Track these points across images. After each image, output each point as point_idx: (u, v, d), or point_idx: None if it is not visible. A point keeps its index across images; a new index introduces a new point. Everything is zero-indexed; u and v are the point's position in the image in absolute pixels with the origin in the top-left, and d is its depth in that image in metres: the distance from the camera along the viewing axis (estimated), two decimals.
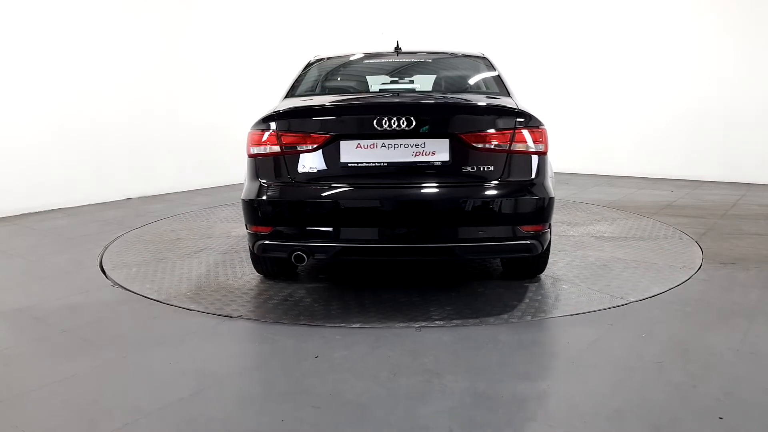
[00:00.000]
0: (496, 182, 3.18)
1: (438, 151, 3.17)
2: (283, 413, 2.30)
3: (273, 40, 9.41)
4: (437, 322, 3.19)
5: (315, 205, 3.19)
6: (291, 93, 3.95)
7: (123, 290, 3.84)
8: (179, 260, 4.48)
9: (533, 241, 3.22)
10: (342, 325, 3.17)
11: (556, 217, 4.31)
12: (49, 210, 6.65)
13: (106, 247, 4.93)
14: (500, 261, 4.19)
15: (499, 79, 4.02)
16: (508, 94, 3.84)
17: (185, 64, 8.23)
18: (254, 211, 3.29)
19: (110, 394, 2.49)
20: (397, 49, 4.39)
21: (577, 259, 4.43)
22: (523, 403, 2.33)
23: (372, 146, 3.18)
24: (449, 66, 4.53)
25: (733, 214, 6.10)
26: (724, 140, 8.55)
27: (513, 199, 3.18)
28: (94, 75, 7.15)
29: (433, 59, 4.53)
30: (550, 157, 3.42)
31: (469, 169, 3.19)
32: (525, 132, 3.22)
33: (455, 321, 3.19)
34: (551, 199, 3.26)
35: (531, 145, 3.23)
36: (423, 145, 3.17)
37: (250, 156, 3.37)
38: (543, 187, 3.24)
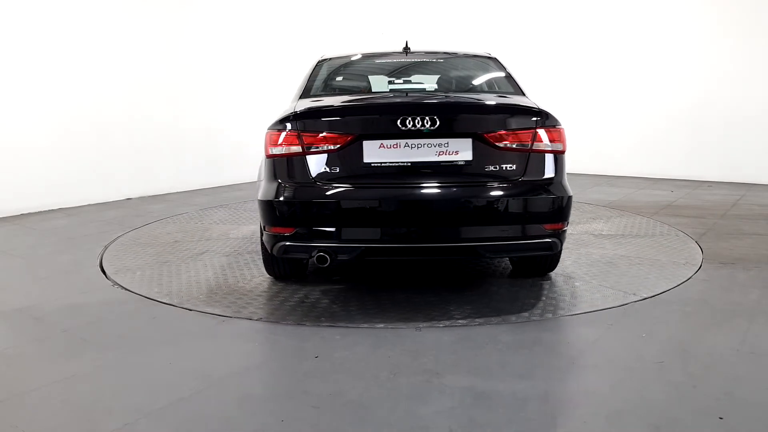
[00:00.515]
0: (518, 181, 3.21)
1: (461, 150, 3.18)
2: (283, 413, 2.30)
3: (273, 41, 9.41)
4: (459, 321, 3.20)
5: (339, 206, 3.17)
6: (305, 93, 3.88)
7: (123, 290, 3.84)
8: (183, 263, 4.42)
9: (554, 239, 3.26)
10: (365, 326, 3.16)
11: None
12: (49, 210, 6.65)
13: (106, 248, 4.93)
14: (509, 260, 4.21)
15: (511, 79, 4.04)
16: (522, 93, 3.86)
17: (185, 65, 8.23)
18: (274, 212, 3.24)
19: (110, 394, 2.49)
20: (406, 49, 4.37)
21: (582, 257, 4.46)
22: (523, 403, 2.33)
23: (395, 146, 3.17)
24: (460, 66, 4.52)
25: (733, 214, 6.10)
26: (724, 140, 8.55)
27: (536, 197, 3.21)
28: (95, 75, 7.15)
29: (444, 59, 4.51)
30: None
31: (491, 168, 3.20)
32: (546, 131, 3.26)
33: (478, 320, 3.21)
34: (570, 198, 3.30)
35: (551, 144, 3.26)
36: (446, 145, 3.18)
37: (269, 156, 3.30)
38: (562, 186, 3.29)
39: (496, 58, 4.38)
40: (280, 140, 3.24)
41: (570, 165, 3.56)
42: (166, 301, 3.58)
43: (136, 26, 7.59)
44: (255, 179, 9.38)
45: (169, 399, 2.41)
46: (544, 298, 3.56)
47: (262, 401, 2.42)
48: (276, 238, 3.27)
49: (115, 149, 7.41)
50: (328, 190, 3.18)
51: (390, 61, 4.43)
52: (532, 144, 3.22)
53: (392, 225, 3.19)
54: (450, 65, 4.52)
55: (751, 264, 4.22)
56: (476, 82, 4.26)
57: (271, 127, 3.33)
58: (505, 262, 4.31)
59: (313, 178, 3.19)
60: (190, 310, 3.45)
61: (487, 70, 4.28)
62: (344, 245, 3.19)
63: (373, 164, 3.18)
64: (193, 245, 4.95)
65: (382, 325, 3.16)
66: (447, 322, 3.18)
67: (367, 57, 4.51)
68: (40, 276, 4.26)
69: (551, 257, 3.80)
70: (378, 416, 2.26)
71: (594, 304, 3.45)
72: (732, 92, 8.45)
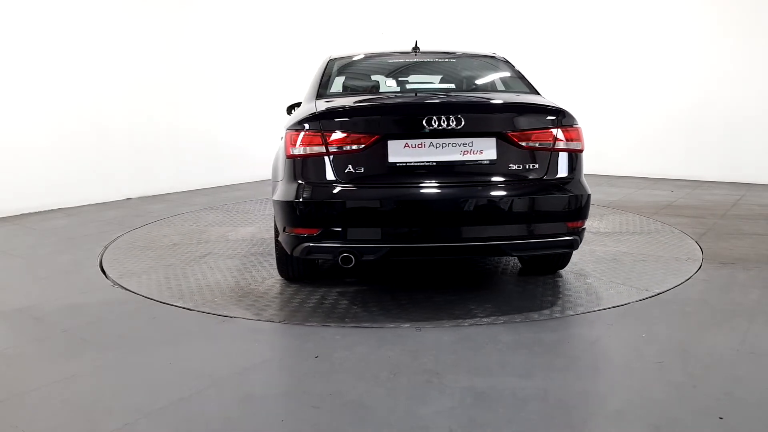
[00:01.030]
0: (541, 180, 3.24)
1: (485, 149, 3.19)
2: (283, 413, 2.30)
3: (272, 41, 9.41)
4: (483, 319, 3.22)
5: (364, 206, 3.16)
6: (321, 93, 3.80)
7: (123, 290, 3.84)
8: (187, 266, 4.34)
9: (576, 237, 3.31)
10: (392, 326, 3.16)
11: None
12: (49, 210, 6.65)
13: (106, 248, 4.93)
14: (518, 258, 4.24)
15: (524, 79, 4.04)
16: (537, 92, 3.87)
17: (185, 65, 8.23)
18: (297, 212, 3.19)
19: (110, 394, 2.49)
20: (415, 49, 4.35)
21: (585, 254, 4.48)
22: (523, 403, 2.33)
23: (420, 146, 3.16)
24: (472, 66, 4.51)
25: (733, 214, 6.10)
26: (724, 140, 8.55)
27: (559, 196, 3.24)
28: (95, 75, 7.15)
29: (456, 59, 4.50)
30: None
31: (515, 167, 3.22)
32: (566, 130, 3.29)
33: (502, 318, 3.24)
34: (589, 196, 3.34)
35: (571, 143, 3.29)
36: (471, 144, 3.18)
37: (290, 157, 3.25)
38: (581, 185, 3.33)
39: (504, 58, 4.39)
40: (303, 140, 3.20)
41: None
42: (180, 305, 3.51)
43: (136, 26, 7.59)
44: (255, 179, 9.45)
45: (169, 399, 2.41)
46: (561, 296, 3.61)
47: (262, 401, 2.42)
48: (298, 239, 3.22)
49: (115, 149, 7.41)
50: (353, 190, 3.15)
51: (401, 60, 4.40)
52: (554, 143, 3.25)
53: (419, 225, 3.18)
54: (462, 65, 4.51)
55: (751, 264, 4.22)
56: (491, 81, 4.25)
57: (292, 127, 3.29)
58: (514, 260, 4.33)
59: (337, 179, 3.16)
60: (205, 312, 3.44)
61: (498, 70, 4.27)
62: (370, 245, 3.18)
63: (398, 164, 3.16)
64: (193, 248, 4.90)
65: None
66: (471, 321, 3.20)
67: (378, 56, 4.49)
68: (40, 276, 4.26)
69: (564, 255, 3.87)
70: (378, 416, 2.25)
71: (611, 301, 3.52)
72: (732, 92, 8.45)
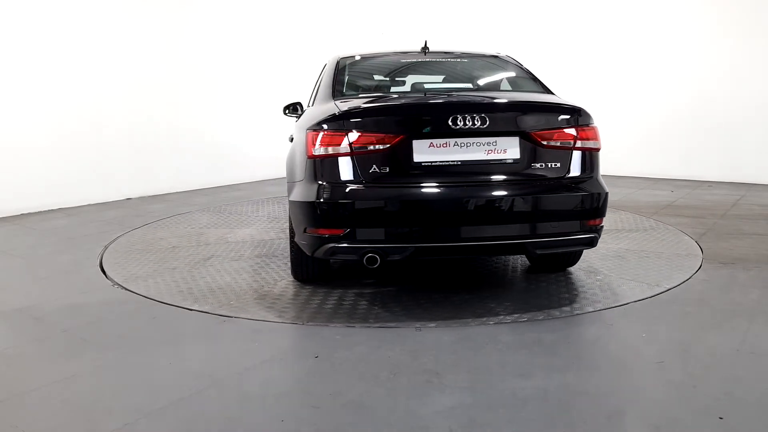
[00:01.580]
0: (562, 178, 3.28)
1: (509, 148, 3.22)
2: (283, 413, 2.30)
3: (272, 42, 9.41)
4: (506, 318, 3.24)
5: (390, 206, 3.15)
6: (337, 93, 3.75)
7: (123, 290, 3.84)
8: (194, 269, 4.26)
9: (596, 235, 3.36)
10: (417, 325, 3.15)
11: None
12: (49, 210, 6.65)
13: (106, 248, 4.93)
14: (526, 256, 4.27)
15: (536, 79, 4.05)
16: (551, 92, 3.88)
17: (185, 65, 8.23)
18: (320, 213, 3.16)
19: (110, 394, 2.49)
20: (425, 48, 4.32)
21: (589, 252, 4.46)
22: (523, 403, 2.33)
23: (445, 145, 3.17)
24: (483, 66, 4.51)
25: (733, 214, 6.10)
26: (724, 140, 8.54)
27: (581, 194, 3.29)
28: (95, 75, 7.15)
29: (468, 59, 4.48)
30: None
31: (537, 166, 3.25)
32: (585, 129, 3.34)
33: (525, 316, 3.26)
34: (607, 194, 3.39)
35: (589, 142, 3.34)
36: (495, 143, 3.20)
37: (312, 157, 3.22)
38: (600, 183, 3.38)
39: (513, 58, 4.39)
40: (326, 140, 3.17)
41: None
42: (196, 308, 3.44)
43: (136, 26, 7.59)
44: (254, 179, 9.44)
45: (169, 399, 2.41)
46: (577, 293, 3.65)
47: (262, 401, 2.42)
48: (321, 240, 3.19)
49: (115, 149, 7.41)
50: (378, 190, 3.15)
51: (414, 60, 4.39)
52: (574, 142, 3.29)
53: (445, 224, 3.19)
54: (473, 65, 4.51)
55: (751, 264, 4.22)
56: (505, 81, 4.24)
57: (314, 127, 3.26)
58: (522, 259, 4.37)
59: (362, 178, 3.14)
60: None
61: (509, 70, 4.27)
62: (396, 245, 3.17)
63: (423, 163, 3.16)
64: (193, 250, 4.82)
65: (433, 324, 3.16)
66: (495, 319, 3.23)
67: (388, 56, 4.48)
68: (40, 276, 4.26)
69: (577, 253, 3.94)
70: (378, 416, 2.25)
71: (626, 296, 3.56)
72: (732, 92, 8.45)
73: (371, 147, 3.14)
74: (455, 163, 3.18)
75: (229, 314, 3.34)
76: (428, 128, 3.22)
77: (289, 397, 2.45)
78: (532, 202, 3.20)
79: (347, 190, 3.14)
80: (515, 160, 3.22)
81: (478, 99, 3.59)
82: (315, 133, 3.23)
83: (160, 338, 3.08)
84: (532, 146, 3.23)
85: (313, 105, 4.13)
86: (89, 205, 7.00)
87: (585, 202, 3.30)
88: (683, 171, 8.85)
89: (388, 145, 3.14)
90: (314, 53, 8.60)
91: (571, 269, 4.10)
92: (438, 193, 3.16)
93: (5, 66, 6.35)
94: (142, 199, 7.46)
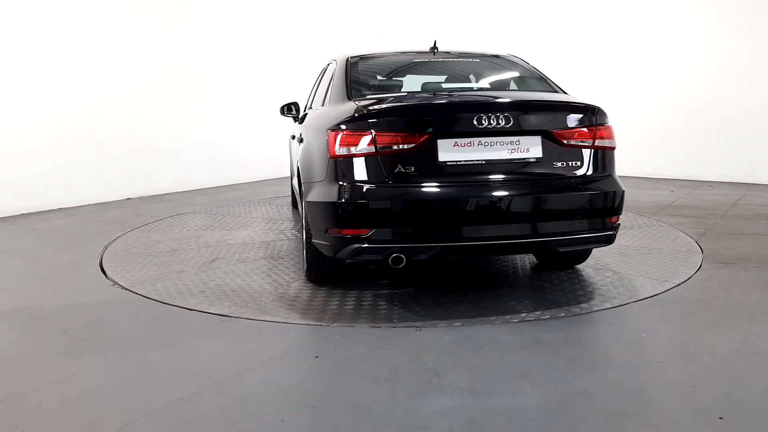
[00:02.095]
0: (583, 177, 3.32)
1: (531, 147, 3.24)
2: (283, 413, 2.30)
3: (272, 42, 9.41)
4: (528, 316, 3.26)
5: (415, 205, 3.15)
6: (354, 93, 3.72)
7: (123, 290, 3.84)
8: (201, 272, 4.16)
9: (613, 232, 3.41)
10: (444, 324, 3.15)
11: None
12: (49, 210, 6.65)
13: (106, 248, 4.93)
14: (534, 254, 4.30)
15: (548, 78, 4.06)
16: (564, 91, 3.89)
17: (185, 66, 8.23)
18: (344, 213, 3.15)
19: (110, 394, 2.49)
20: (434, 48, 4.31)
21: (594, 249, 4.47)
22: (523, 403, 2.33)
23: (469, 144, 3.19)
24: (494, 66, 4.50)
25: (733, 214, 6.10)
26: (724, 140, 8.54)
27: (600, 192, 3.35)
28: (95, 75, 7.15)
29: (480, 59, 4.48)
30: None
31: (559, 164, 3.29)
32: (603, 128, 3.39)
33: (548, 313, 3.29)
34: (624, 192, 3.44)
35: (606, 140, 3.39)
36: (518, 143, 3.23)
37: (335, 157, 3.20)
38: (617, 181, 3.43)
39: (521, 58, 4.39)
40: (349, 140, 3.16)
41: None
42: (214, 311, 3.38)
43: (136, 27, 7.59)
44: (253, 180, 9.43)
45: (169, 399, 2.41)
46: (591, 289, 3.68)
47: (262, 401, 2.42)
48: (345, 241, 3.18)
49: (115, 149, 7.40)
50: (404, 189, 3.14)
51: (425, 60, 4.38)
52: (593, 141, 3.34)
53: (471, 223, 3.20)
54: (484, 65, 4.51)
55: (751, 264, 4.22)
56: (517, 81, 4.24)
57: (336, 127, 3.24)
58: (529, 257, 4.38)
59: (387, 178, 3.14)
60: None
61: (519, 70, 4.27)
62: (421, 245, 3.18)
63: (448, 163, 3.18)
64: (195, 253, 4.73)
65: (459, 323, 3.17)
66: (518, 317, 3.24)
67: (398, 56, 4.47)
68: (40, 276, 4.26)
69: (587, 251, 3.99)
70: (378, 416, 2.25)
71: (639, 292, 3.61)
72: (732, 92, 8.44)
73: (396, 146, 3.14)
74: (480, 162, 3.20)
75: (229, 314, 3.34)
76: (453, 127, 3.24)
77: (289, 397, 2.45)
78: (556, 201, 3.26)
79: (372, 190, 3.13)
80: (538, 159, 3.24)
81: (502, 98, 3.62)
82: (337, 133, 3.21)
83: (160, 338, 3.08)
84: (553, 145, 3.27)
85: (323, 105, 4.11)
86: (89, 205, 7.00)
87: (605, 200, 3.35)
88: (683, 171, 8.84)
89: (413, 145, 3.14)
90: (312, 54, 8.61)
91: (580, 266, 4.13)
92: (464, 192, 3.18)
93: (5, 66, 6.35)
94: (141, 199, 7.46)
